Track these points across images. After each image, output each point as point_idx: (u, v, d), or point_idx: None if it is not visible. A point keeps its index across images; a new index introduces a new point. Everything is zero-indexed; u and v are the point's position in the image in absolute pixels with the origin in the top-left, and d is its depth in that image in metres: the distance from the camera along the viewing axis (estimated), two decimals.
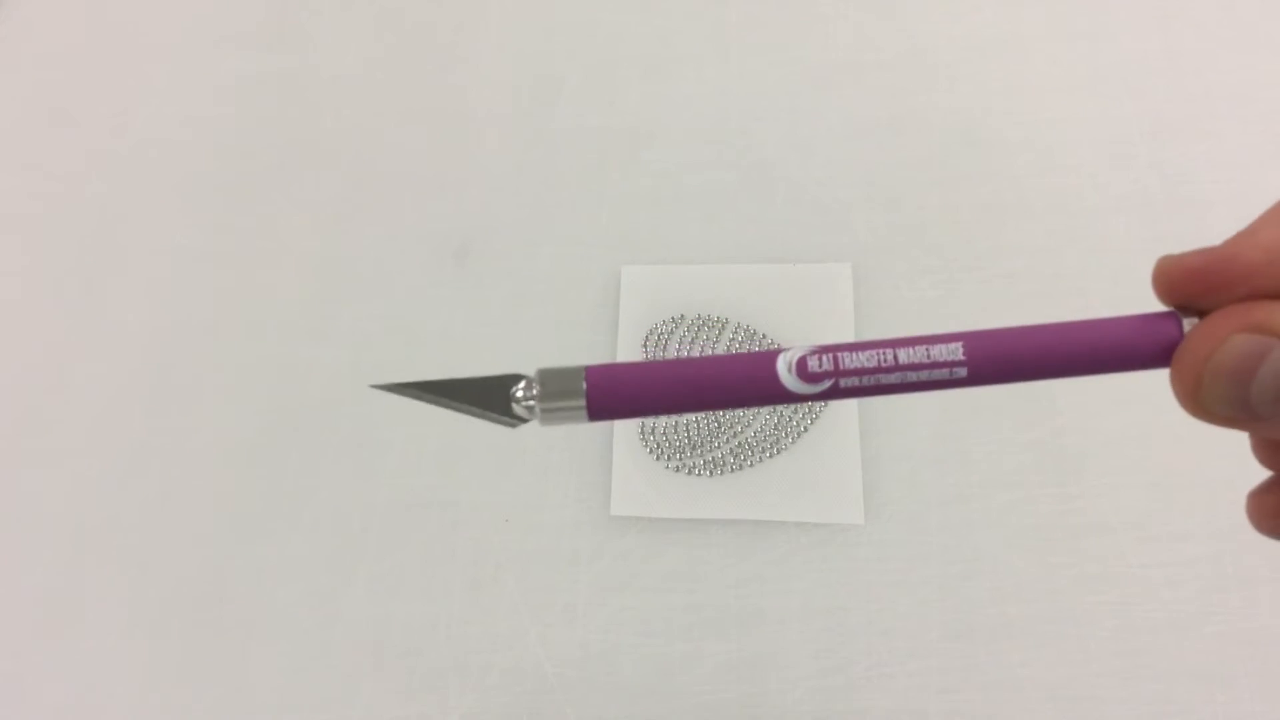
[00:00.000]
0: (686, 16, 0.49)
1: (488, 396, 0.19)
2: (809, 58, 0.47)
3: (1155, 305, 0.18)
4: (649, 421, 0.39)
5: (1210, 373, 0.16)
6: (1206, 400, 0.16)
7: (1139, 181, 0.42)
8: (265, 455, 0.42)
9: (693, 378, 0.18)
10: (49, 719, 0.39)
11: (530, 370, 0.19)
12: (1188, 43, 0.44)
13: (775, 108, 0.46)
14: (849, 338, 0.40)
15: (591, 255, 0.44)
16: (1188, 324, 0.17)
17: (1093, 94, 0.44)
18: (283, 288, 0.46)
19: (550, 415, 0.18)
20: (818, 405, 0.39)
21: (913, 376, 0.18)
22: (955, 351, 0.17)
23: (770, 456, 0.38)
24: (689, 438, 0.39)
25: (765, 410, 0.39)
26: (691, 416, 0.39)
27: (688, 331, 0.41)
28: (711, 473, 0.38)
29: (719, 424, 0.39)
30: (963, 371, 0.17)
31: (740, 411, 0.39)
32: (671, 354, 0.40)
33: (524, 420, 0.19)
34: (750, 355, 0.18)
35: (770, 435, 0.38)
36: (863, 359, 0.18)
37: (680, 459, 0.39)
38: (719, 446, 0.39)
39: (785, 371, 0.18)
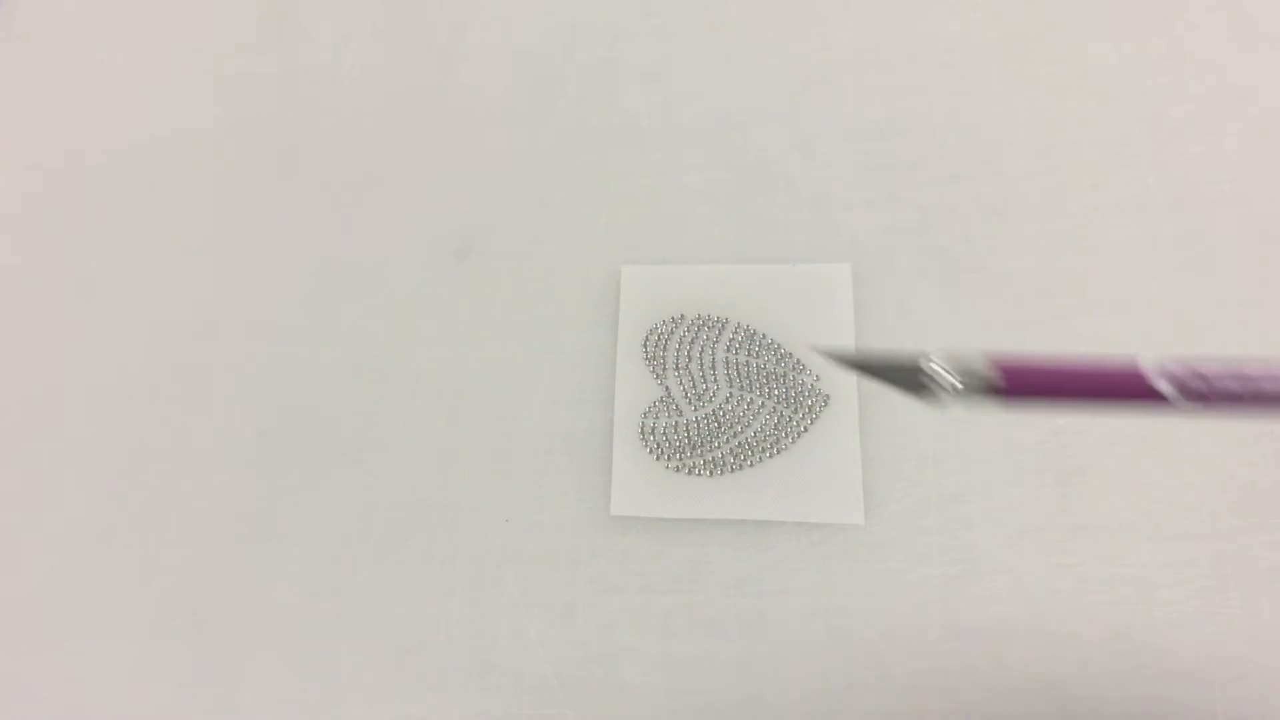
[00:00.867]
0: (686, 16, 0.49)
1: (900, 376, 0.22)
2: (809, 58, 0.47)
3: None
4: (649, 421, 0.39)
5: None
6: None
7: (1139, 181, 0.42)
8: (265, 455, 0.42)
9: (1086, 374, 0.21)
10: (49, 719, 0.39)
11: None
12: (1188, 43, 0.44)
13: (775, 108, 0.46)
14: (849, 338, 0.40)
15: (591, 255, 0.44)
16: None
17: (1093, 94, 0.44)
18: (283, 287, 0.46)
19: (967, 395, 0.22)
20: (818, 405, 0.39)
21: None
22: None
23: (770, 456, 0.38)
24: (689, 438, 0.39)
25: (765, 410, 0.39)
26: (691, 417, 0.39)
27: (688, 331, 0.41)
28: (711, 473, 0.38)
29: (719, 424, 0.39)
30: None
31: (740, 411, 0.39)
32: (671, 354, 0.40)
33: (945, 393, 0.22)
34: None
35: (770, 435, 0.38)
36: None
37: (680, 459, 0.39)
38: (719, 446, 0.39)
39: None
